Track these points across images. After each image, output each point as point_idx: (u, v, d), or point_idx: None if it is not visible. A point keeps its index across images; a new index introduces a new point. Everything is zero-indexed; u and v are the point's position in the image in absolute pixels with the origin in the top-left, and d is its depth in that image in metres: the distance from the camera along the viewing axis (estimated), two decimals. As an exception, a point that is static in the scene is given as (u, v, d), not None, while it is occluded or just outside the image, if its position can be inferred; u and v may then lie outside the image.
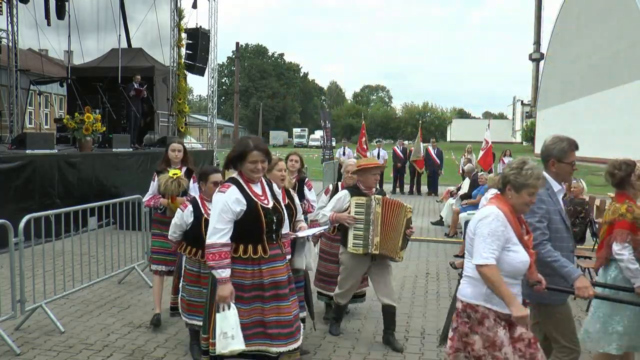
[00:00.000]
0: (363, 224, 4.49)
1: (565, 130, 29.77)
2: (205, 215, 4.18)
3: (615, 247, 3.44)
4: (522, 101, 63.39)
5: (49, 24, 14.68)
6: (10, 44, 13.90)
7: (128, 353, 4.46)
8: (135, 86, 13.14)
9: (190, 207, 4.24)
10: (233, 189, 3.24)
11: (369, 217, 4.48)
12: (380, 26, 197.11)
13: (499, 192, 3.08)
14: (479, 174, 10.36)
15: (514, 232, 2.90)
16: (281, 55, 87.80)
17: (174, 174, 5.14)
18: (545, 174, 3.25)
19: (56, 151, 9.74)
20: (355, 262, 4.62)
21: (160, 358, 4.39)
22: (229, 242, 3.18)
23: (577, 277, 3.12)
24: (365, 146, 17.47)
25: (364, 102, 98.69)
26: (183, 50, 15.26)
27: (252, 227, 3.24)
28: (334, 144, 26.20)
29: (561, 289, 3.20)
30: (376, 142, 19.21)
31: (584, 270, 5.79)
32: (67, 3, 14.47)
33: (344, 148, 18.01)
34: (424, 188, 17.03)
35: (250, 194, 3.27)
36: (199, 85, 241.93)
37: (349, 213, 4.52)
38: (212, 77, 16.92)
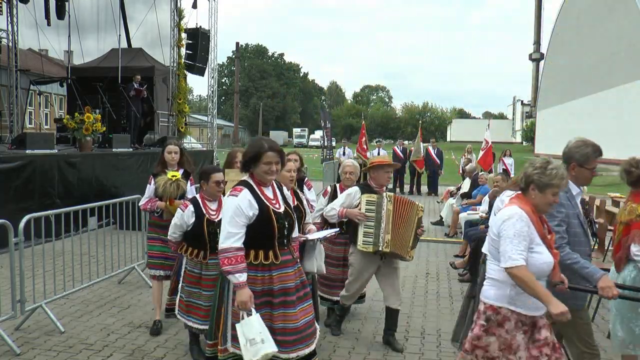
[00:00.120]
0: (374, 221, 4.42)
1: (565, 130, 29.74)
2: (207, 215, 4.15)
3: (634, 248, 3.40)
4: (522, 101, 63.34)
5: (49, 24, 14.69)
6: (10, 44, 13.91)
7: (128, 353, 4.46)
8: (135, 86, 13.14)
9: (191, 207, 4.16)
10: (245, 192, 3.17)
11: (380, 214, 4.42)
12: (380, 26, 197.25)
13: (519, 192, 3.02)
14: (479, 174, 10.36)
15: (537, 232, 2.86)
16: (281, 55, 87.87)
17: (172, 176, 5.03)
18: None
19: (56, 151, 9.74)
20: (365, 263, 4.56)
21: (160, 358, 4.39)
22: (243, 247, 3.11)
23: (600, 277, 3.07)
24: (365, 146, 17.46)
25: (364, 102, 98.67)
26: (183, 50, 15.26)
27: (263, 232, 3.17)
28: (334, 144, 26.19)
29: (584, 289, 3.16)
30: (376, 142, 19.20)
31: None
32: (67, 3, 14.48)
33: (344, 148, 18.01)
34: (424, 188, 17.03)
35: (262, 197, 3.20)
36: (199, 85, 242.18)
37: (359, 209, 4.46)
38: (212, 77, 16.92)
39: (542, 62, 47.16)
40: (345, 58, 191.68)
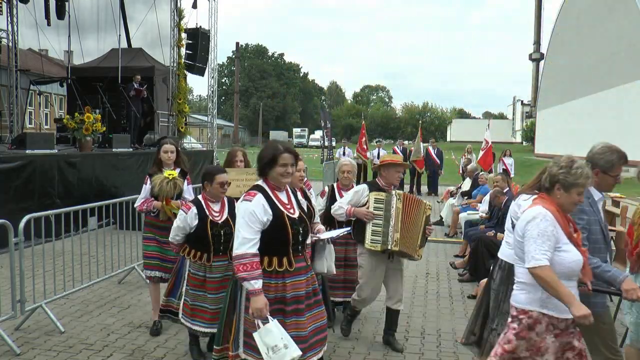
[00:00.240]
0: (382, 220, 4.35)
1: (565, 130, 29.65)
2: (210, 217, 4.07)
3: None
4: (522, 101, 63.31)
5: (49, 24, 14.70)
6: (10, 44, 13.91)
7: (128, 353, 4.46)
8: (135, 86, 13.14)
9: (194, 209, 4.08)
10: (259, 197, 3.10)
11: (389, 213, 4.35)
12: (380, 26, 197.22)
13: (542, 192, 2.97)
14: (480, 174, 10.37)
15: (563, 231, 2.82)
16: (281, 55, 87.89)
17: (169, 174, 4.93)
18: None
19: (56, 151, 9.74)
20: (374, 262, 4.48)
21: (160, 358, 4.39)
22: (258, 253, 3.05)
23: (624, 279, 3.03)
24: (365, 146, 17.46)
25: (364, 102, 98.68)
26: (183, 50, 15.25)
27: (277, 238, 3.11)
28: (334, 144, 26.19)
29: (609, 291, 3.12)
30: (376, 142, 19.21)
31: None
32: (67, 3, 14.48)
33: (344, 148, 18.02)
34: (424, 188, 17.03)
35: (277, 202, 3.14)
36: (199, 85, 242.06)
37: (368, 208, 4.39)
38: (212, 77, 16.91)
39: (542, 62, 47.13)
40: (345, 58, 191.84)
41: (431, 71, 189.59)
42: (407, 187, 16.94)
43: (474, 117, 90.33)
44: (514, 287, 2.98)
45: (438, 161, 16.78)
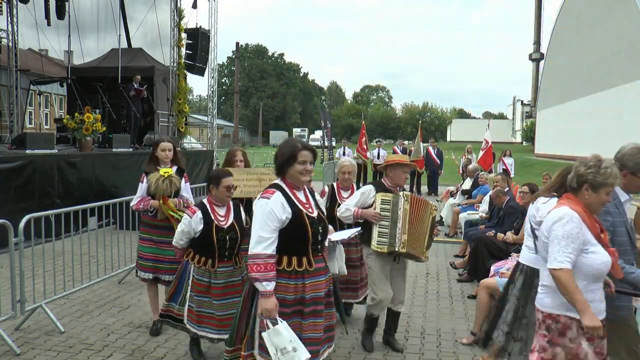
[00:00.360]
0: (389, 221, 4.28)
1: (565, 130, 29.60)
2: (216, 222, 3.98)
3: None
4: (522, 101, 63.32)
5: (49, 24, 14.70)
6: (10, 44, 13.93)
7: (128, 353, 4.46)
8: (135, 86, 13.14)
9: (199, 214, 3.97)
10: (278, 194, 3.02)
11: (396, 214, 4.28)
12: (380, 26, 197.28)
13: (568, 193, 2.92)
14: (480, 174, 10.37)
15: (591, 233, 2.76)
16: (281, 55, 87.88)
17: (165, 172, 4.83)
18: None
19: (56, 151, 9.74)
20: (382, 263, 4.41)
21: (160, 358, 4.39)
22: (275, 253, 2.97)
23: None
24: (365, 146, 17.46)
25: (364, 102, 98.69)
26: (183, 50, 15.25)
27: (297, 237, 3.03)
28: (334, 144, 26.19)
29: (633, 293, 3.08)
30: (376, 142, 19.20)
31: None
32: (67, 3, 14.48)
33: (344, 148, 18.02)
34: (424, 188, 17.03)
35: (296, 201, 3.06)
36: (199, 85, 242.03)
37: (374, 209, 4.32)
38: (212, 77, 16.91)
39: (542, 62, 47.13)
40: (345, 58, 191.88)
41: (431, 71, 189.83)
42: (407, 187, 16.96)
43: (474, 117, 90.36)
44: (539, 289, 2.92)
45: (438, 161, 16.78)
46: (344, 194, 5.03)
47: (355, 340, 4.83)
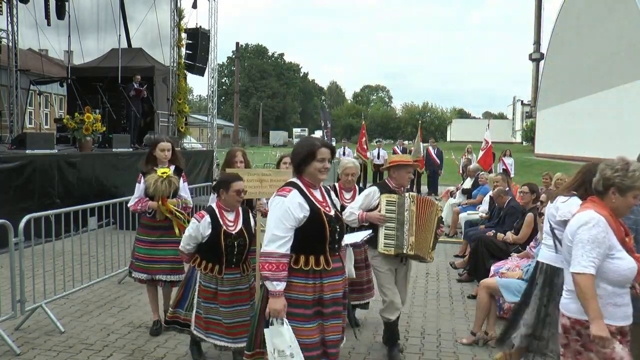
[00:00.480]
0: (395, 222, 4.23)
1: (565, 130, 29.53)
2: (224, 227, 3.87)
3: None
4: (522, 101, 63.30)
5: (49, 24, 14.71)
6: (10, 44, 13.93)
7: (128, 353, 4.46)
8: (135, 86, 13.14)
9: (207, 218, 3.86)
10: (295, 193, 2.96)
11: (403, 215, 4.22)
12: (380, 26, 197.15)
13: (593, 196, 2.87)
14: (480, 174, 10.37)
15: (616, 237, 2.72)
16: (281, 55, 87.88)
17: (163, 173, 4.74)
18: None
19: (56, 151, 9.74)
20: (388, 264, 4.36)
21: (160, 358, 4.39)
22: (289, 252, 2.91)
23: None
24: (365, 146, 17.47)
25: (364, 102, 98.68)
26: (183, 50, 15.26)
27: (314, 236, 2.96)
28: (334, 144, 26.18)
29: None
30: (376, 142, 19.21)
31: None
32: (67, 3, 14.49)
33: (344, 148, 18.01)
34: (424, 188, 17.03)
35: (313, 200, 3.00)
36: (199, 85, 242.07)
37: (379, 211, 4.25)
38: (212, 77, 16.92)
39: (542, 62, 47.12)
40: (345, 58, 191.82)
41: (431, 71, 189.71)
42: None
43: (474, 117, 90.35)
44: (564, 294, 2.86)
45: (438, 161, 16.77)
46: (346, 196, 4.99)
47: (355, 340, 4.83)
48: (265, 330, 2.92)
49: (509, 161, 15.59)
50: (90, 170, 9.76)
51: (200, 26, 15.57)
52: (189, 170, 12.38)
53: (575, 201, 3.42)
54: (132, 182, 4.89)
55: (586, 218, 2.74)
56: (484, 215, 8.35)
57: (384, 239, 4.23)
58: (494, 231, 6.82)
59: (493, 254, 6.44)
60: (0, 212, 6.25)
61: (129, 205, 4.95)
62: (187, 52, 15.40)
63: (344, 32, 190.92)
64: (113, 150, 11.08)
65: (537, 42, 55.48)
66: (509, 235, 6.48)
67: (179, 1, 15.18)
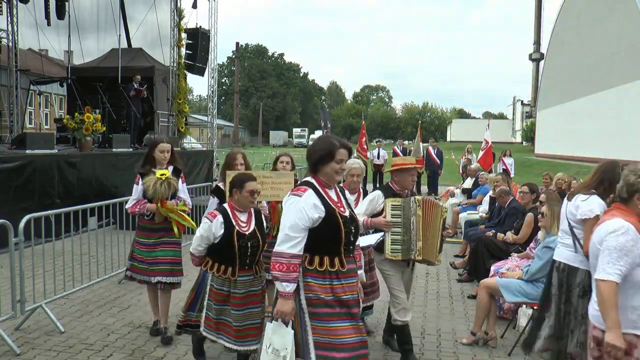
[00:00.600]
0: (401, 227, 4.16)
1: (565, 130, 29.51)
2: (237, 228, 3.77)
3: None
4: (522, 101, 63.30)
5: (49, 24, 14.71)
6: (10, 44, 13.93)
7: (128, 353, 4.46)
8: (135, 86, 13.14)
9: (220, 218, 3.76)
10: (310, 193, 2.90)
11: (409, 220, 4.16)
12: (380, 26, 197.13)
13: (618, 203, 2.85)
14: (480, 174, 10.37)
15: None
16: (281, 55, 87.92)
17: (161, 175, 4.62)
18: None
19: (56, 151, 9.74)
20: (396, 267, 4.31)
21: (160, 358, 4.39)
22: (301, 253, 2.85)
23: None
24: (365, 146, 17.45)
25: (364, 102, 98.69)
26: (183, 50, 15.26)
27: (329, 237, 2.91)
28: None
29: None
30: (376, 142, 19.21)
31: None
32: (67, 3, 14.49)
33: (344, 148, 17.96)
34: (424, 188, 17.03)
35: (328, 200, 2.93)
36: (199, 85, 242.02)
37: (384, 216, 4.18)
38: (212, 77, 16.91)
39: (542, 62, 47.12)
40: (345, 58, 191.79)
41: (431, 71, 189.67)
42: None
43: (474, 117, 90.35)
44: (594, 304, 2.79)
45: (438, 161, 16.78)
46: (351, 198, 4.94)
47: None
48: (268, 324, 2.90)
49: (509, 161, 15.59)
50: (90, 170, 9.76)
51: (200, 26, 15.57)
52: (188, 171, 12.38)
53: (596, 199, 3.41)
54: (132, 182, 4.84)
55: (615, 226, 2.71)
56: (484, 215, 8.35)
57: (391, 244, 4.16)
58: (493, 231, 6.82)
59: (493, 254, 6.44)
60: (0, 212, 6.24)
61: (126, 207, 4.86)
62: (187, 52, 15.40)
63: (344, 32, 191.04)
64: (113, 150, 11.08)
65: (537, 42, 55.49)
66: (509, 236, 6.48)
67: (179, 1, 15.18)
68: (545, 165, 26.49)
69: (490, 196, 8.49)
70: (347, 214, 3.01)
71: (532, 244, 5.79)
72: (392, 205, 4.19)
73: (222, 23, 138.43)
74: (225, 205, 3.91)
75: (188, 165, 12.63)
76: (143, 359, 4.37)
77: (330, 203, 2.94)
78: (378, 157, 17.01)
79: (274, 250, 2.88)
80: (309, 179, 3.02)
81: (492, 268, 5.77)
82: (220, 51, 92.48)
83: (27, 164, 8.36)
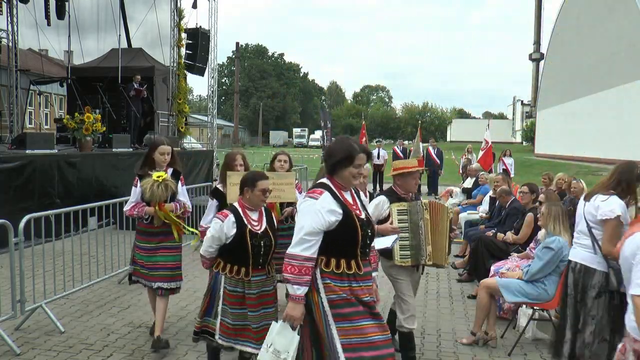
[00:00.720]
0: (408, 232, 4.08)
1: (565, 130, 29.52)
2: (250, 227, 3.68)
3: None
4: (522, 101, 63.32)
5: (49, 24, 14.72)
6: (10, 44, 13.94)
7: (128, 353, 4.46)
8: (135, 86, 13.14)
9: (231, 217, 3.65)
10: (326, 195, 2.86)
11: (417, 225, 4.09)
12: (380, 26, 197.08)
13: None
14: (480, 174, 10.37)
15: None
16: (281, 55, 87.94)
17: (158, 177, 4.50)
18: None
19: (56, 151, 9.75)
20: (406, 272, 4.21)
21: (160, 358, 4.39)
22: (314, 256, 2.81)
23: None
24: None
25: (364, 102, 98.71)
26: (183, 50, 15.26)
27: (346, 239, 2.86)
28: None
29: None
30: (376, 142, 19.23)
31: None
32: (67, 3, 14.50)
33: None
34: (424, 188, 17.03)
35: (345, 202, 2.89)
36: (199, 85, 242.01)
37: (391, 222, 4.07)
38: (212, 77, 16.92)
39: (542, 62, 47.13)
40: (345, 58, 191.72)
41: (431, 71, 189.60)
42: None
43: (474, 117, 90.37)
44: (632, 316, 2.69)
45: (438, 161, 16.78)
46: (365, 200, 4.88)
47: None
48: (274, 323, 2.88)
49: (509, 161, 15.59)
50: (90, 170, 9.76)
51: (200, 26, 15.57)
52: (188, 171, 12.38)
53: (616, 200, 3.42)
54: (132, 182, 4.78)
55: None
56: (484, 215, 8.35)
57: (400, 250, 4.08)
58: (493, 231, 6.82)
59: (493, 254, 6.43)
60: (0, 212, 6.25)
61: (124, 209, 4.74)
62: (187, 52, 15.40)
63: (344, 32, 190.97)
64: (113, 150, 11.08)
65: (537, 42, 55.50)
66: (509, 236, 6.48)
67: (179, 1, 15.18)
68: (545, 165, 26.49)
69: (490, 196, 8.48)
70: (363, 216, 2.97)
71: (532, 244, 5.79)
72: (398, 210, 4.11)
73: (222, 23, 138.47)
74: (236, 204, 3.82)
75: (188, 166, 12.63)
76: (143, 359, 4.37)
77: (347, 205, 2.90)
78: (378, 157, 17.00)
79: (287, 252, 2.84)
80: (324, 180, 2.97)
81: (492, 268, 5.77)
82: (220, 51, 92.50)
83: (27, 164, 8.36)
